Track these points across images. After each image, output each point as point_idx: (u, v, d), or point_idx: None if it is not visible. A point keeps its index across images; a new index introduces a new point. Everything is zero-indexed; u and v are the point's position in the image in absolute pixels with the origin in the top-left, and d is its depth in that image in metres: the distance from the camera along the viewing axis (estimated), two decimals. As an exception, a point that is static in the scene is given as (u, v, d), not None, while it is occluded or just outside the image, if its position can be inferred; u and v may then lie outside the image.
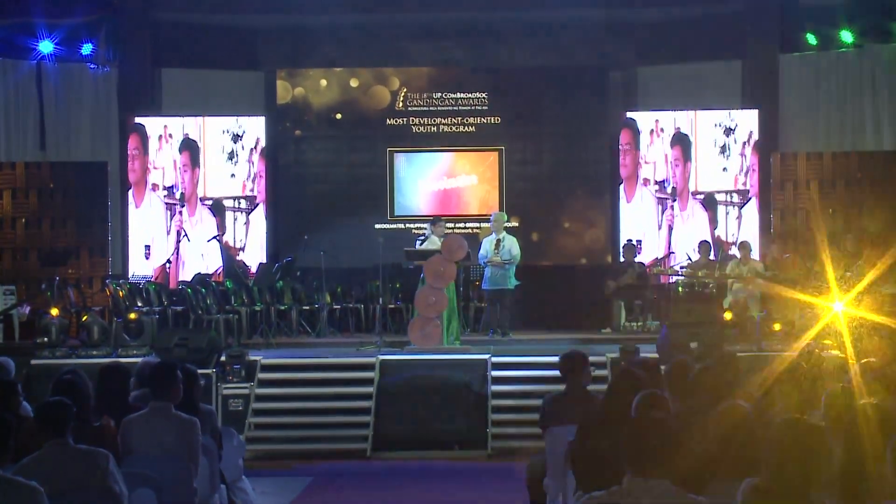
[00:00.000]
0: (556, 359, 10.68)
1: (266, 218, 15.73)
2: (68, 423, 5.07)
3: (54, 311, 12.09)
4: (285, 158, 15.98)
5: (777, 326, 11.78)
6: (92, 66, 15.42)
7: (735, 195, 15.36)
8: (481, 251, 13.53)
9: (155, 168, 15.52)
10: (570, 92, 15.79)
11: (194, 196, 15.58)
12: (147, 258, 15.31)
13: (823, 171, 14.97)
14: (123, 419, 5.95)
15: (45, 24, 14.81)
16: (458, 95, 15.85)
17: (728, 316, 12.49)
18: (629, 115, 15.70)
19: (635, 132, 15.55)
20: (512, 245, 13.20)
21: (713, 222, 15.35)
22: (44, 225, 14.90)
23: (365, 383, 11.30)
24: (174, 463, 5.80)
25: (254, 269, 15.02)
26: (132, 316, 12.41)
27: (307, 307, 14.60)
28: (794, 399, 5.76)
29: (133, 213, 15.42)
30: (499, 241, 13.00)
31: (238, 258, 15.39)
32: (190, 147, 15.57)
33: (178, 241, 15.26)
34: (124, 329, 11.92)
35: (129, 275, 15.02)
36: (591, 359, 7.46)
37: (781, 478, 3.84)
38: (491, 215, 13.77)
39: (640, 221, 15.52)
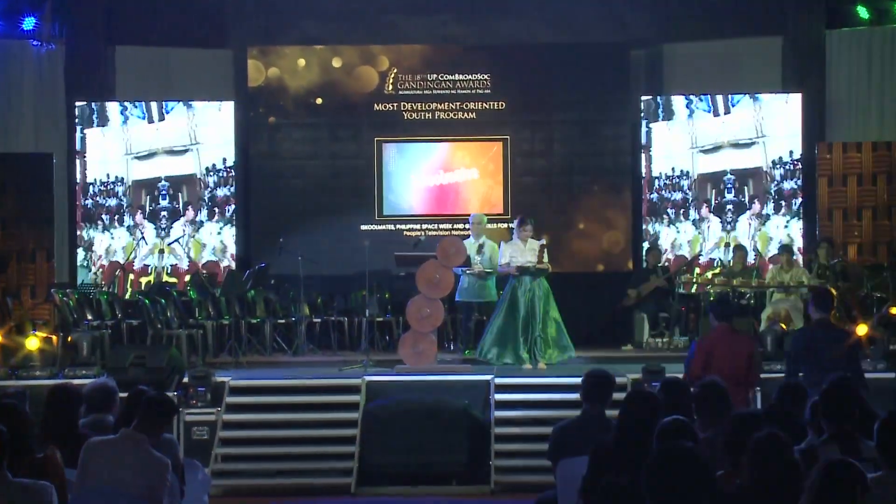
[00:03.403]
0: (567, 380, 10.81)
1: (235, 218, 15.74)
2: (4, 453, 5.07)
3: None
4: (257, 149, 15.98)
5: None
6: (35, 43, 15.39)
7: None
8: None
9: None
10: (585, 73, 15.79)
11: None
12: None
13: (863, 164, 14.96)
14: (90, 440, 5.97)
15: (-19, -4, 14.85)
16: (456, 77, 15.86)
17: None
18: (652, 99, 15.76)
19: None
20: (493, 252, 13.08)
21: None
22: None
23: (349, 408, 11.30)
24: (130, 502, 5.78)
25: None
26: (69, 340, 12.39)
27: (283, 321, 14.60)
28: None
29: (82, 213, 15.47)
30: (480, 246, 12.97)
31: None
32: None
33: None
34: (63, 352, 11.93)
35: (78, 282, 15.03)
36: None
37: None
38: (470, 217, 13.64)
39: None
